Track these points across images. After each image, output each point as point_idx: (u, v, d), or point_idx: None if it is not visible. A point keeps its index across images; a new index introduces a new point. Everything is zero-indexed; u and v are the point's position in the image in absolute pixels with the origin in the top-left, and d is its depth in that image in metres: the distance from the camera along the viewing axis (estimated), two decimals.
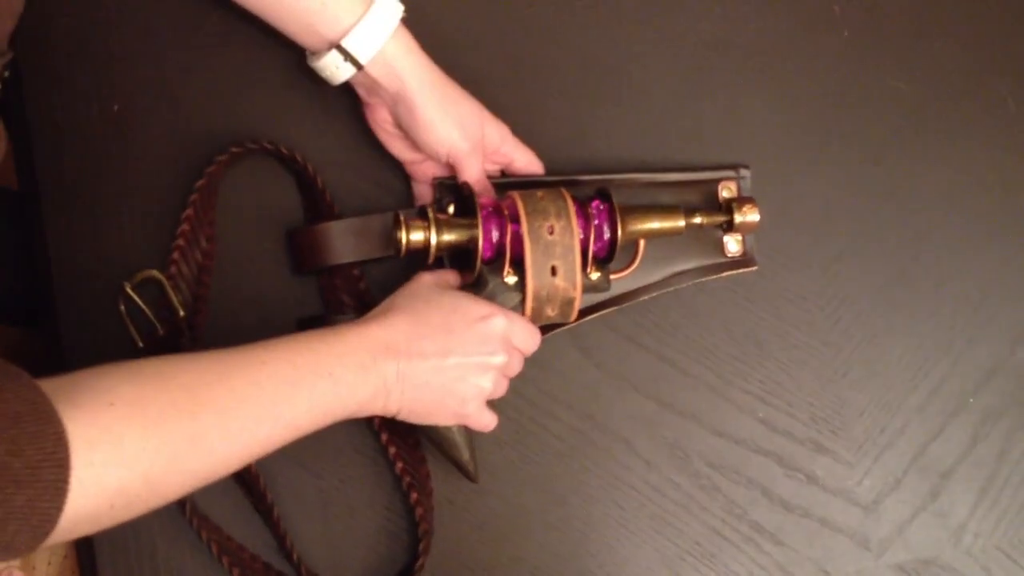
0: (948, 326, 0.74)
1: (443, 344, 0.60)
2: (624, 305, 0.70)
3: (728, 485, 0.70)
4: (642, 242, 0.69)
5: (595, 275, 0.66)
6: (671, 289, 0.71)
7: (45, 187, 0.70)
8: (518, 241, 0.63)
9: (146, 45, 0.71)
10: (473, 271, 0.64)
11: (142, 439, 0.49)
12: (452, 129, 0.65)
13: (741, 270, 0.72)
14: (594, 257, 0.65)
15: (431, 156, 0.67)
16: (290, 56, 0.69)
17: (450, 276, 0.66)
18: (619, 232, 0.64)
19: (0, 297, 0.84)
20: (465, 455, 0.66)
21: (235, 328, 0.66)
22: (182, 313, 0.67)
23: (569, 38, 0.74)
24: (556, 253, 0.62)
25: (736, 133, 0.74)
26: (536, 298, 0.63)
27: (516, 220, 0.63)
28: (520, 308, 0.64)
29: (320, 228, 0.68)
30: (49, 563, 0.75)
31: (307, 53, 0.66)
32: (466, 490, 0.69)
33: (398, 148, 0.69)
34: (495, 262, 0.64)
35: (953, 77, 0.76)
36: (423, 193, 0.70)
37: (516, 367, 0.63)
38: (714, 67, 0.75)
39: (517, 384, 0.70)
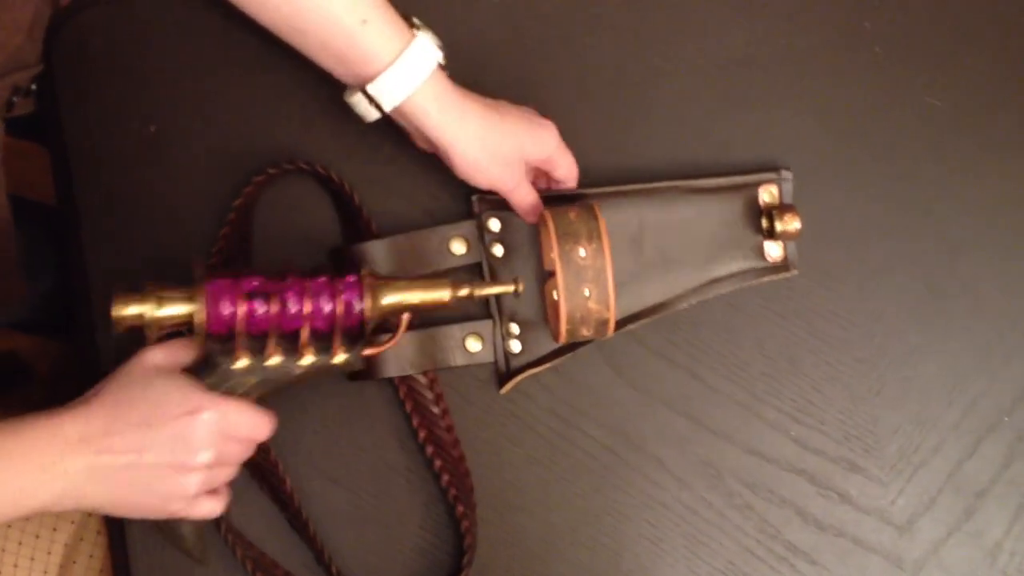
0: (983, 343, 0.73)
1: (139, 441, 0.56)
2: (663, 314, 0.70)
3: (761, 504, 0.70)
4: (405, 315, 0.63)
5: (341, 356, 0.60)
6: (710, 296, 0.71)
7: (82, 205, 0.71)
8: (258, 320, 0.59)
9: (182, 66, 0.72)
10: (198, 337, 0.59)
11: None
12: (494, 167, 0.64)
13: (782, 275, 0.71)
14: (344, 334, 0.60)
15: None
16: (326, 77, 0.70)
17: (181, 351, 0.60)
18: (369, 307, 0.61)
19: (40, 310, 0.85)
20: (188, 543, 0.63)
21: None
22: None
23: (600, 55, 0.74)
24: (588, 276, 0.62)
25: (768, 149, 0.74)
26: (570, 320, 0.63)
27: (256, 297, 0.59)
28: (254, 391, 0.59)
29: (361, 248, 0.68)
30: None
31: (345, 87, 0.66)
32: (499, 508, 0.69)
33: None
34: (229, 341, 0.59)
35: (985, 91, 0.76)
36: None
37: (238, 455, 0.60)
38: (745, 84, 0.75)
39: (549, 402, 0.71)
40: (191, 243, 0.70)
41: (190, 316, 0.59)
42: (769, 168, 0.72)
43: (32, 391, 0.96)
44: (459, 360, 0.69)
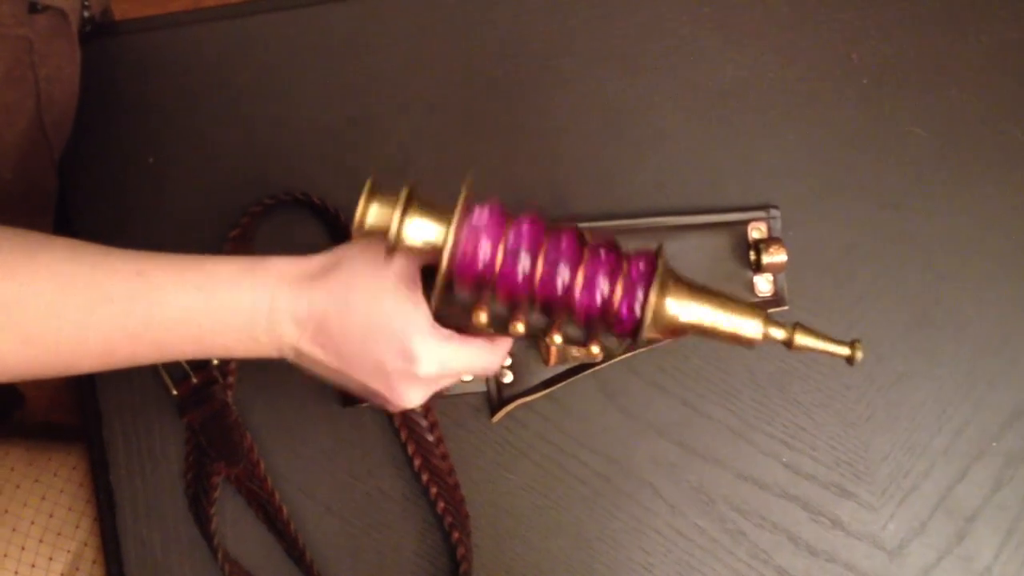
0: (970, 369, 0.74)
1: (348, 357, 0.51)
2: (652, 347, 0.71)
3: (753, 530, 0.71)
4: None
5: (597, 349, 0.50)
6: None
7: (79, 235, 0.71)
8: (514, 282, 0.47)
9: (181, 98, 0.73)
10: (435, 289, 0.48)
11: None
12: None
13: (772, 310, 0.72)
14: (605, 326, 0.49)
15: None
16: (322, 108, 0.71)
17: (417, 273, 0.51)
18: (648, 307, 0.47)
19: None
20: None
21: (266, 375, 0.67)
22: (215, 362, 0.68)
23: (590, 88, 0.75)
24: None
25: (757, 179, 0.75)
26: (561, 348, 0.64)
27: (520, 253, 0.47)
28: (486, 330, 0.51)
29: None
30: None
31: None
32: (494, 535, 0.70)
33: None
34: (477, 290, 0.47)
35: (970, 122, 0.77)
36: None
37: (456, 380, 0.55)
38: (734, 115, 0.76)
39: (542, 429, 0.71)
40: None
41: (432, 241, 0.47)
42: (758, 207, 0.73)
43: (26, 418, 0.96)
44: (452, 389, 0.69)
